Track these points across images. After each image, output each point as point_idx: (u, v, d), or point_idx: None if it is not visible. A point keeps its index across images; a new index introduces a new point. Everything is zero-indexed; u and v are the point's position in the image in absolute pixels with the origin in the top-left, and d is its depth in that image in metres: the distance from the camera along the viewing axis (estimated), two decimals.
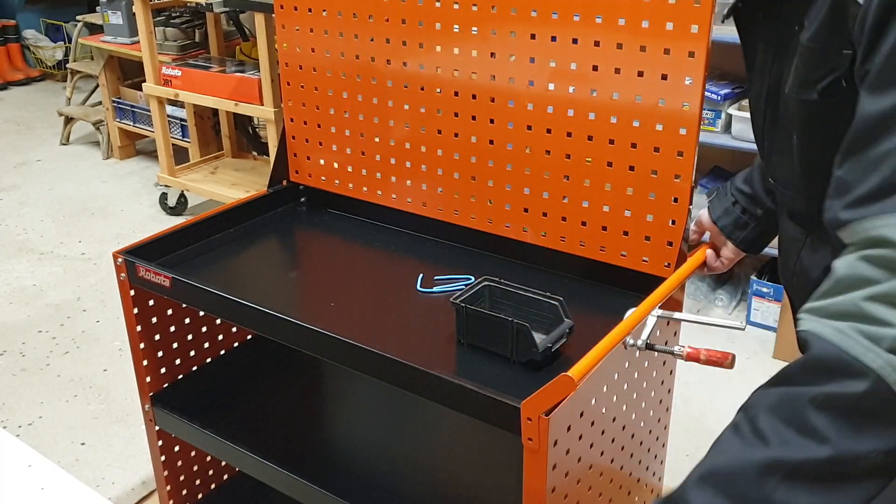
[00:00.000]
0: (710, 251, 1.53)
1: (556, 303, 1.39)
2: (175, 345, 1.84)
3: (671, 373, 1.60)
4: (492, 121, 1.65)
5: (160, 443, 1.87)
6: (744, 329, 1.36)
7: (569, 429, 1.20)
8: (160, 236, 1.75)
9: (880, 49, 0.86)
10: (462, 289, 1.48)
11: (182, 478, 1.96)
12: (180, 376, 1.87)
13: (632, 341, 1.30)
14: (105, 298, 3.26)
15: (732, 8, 1.22)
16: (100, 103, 4.84)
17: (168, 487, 1.93)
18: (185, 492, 1.97)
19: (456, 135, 1.71)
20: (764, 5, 1.17)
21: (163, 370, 1.83)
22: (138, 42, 3.78)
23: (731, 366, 1.25)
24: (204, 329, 1.91)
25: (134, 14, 3.70)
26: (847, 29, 0.93)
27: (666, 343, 1.46)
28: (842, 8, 0.94)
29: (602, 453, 1.35)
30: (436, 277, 1.67)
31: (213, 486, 2.06)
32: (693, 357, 1.27)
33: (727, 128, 2.94)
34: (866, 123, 0.85)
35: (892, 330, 0.77)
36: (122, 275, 1.68)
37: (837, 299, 0.82)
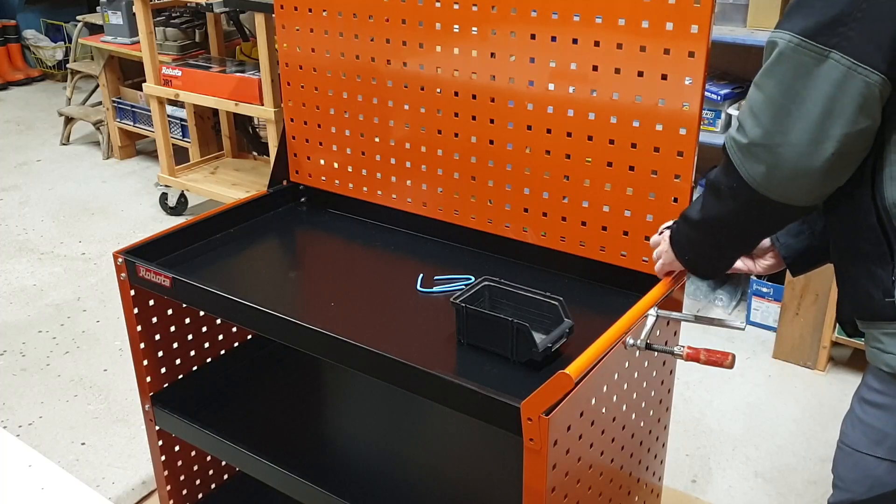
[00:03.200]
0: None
1: (556, 303, 1.40)
2: (175, 345, 1.84)
3: (671, 373, 1.60)
4: (492, 121, 1.65)
5: (160, 443, 1.87)
6: (744, 329, 1.36)
7: (569, 429, 1.20)
8: (160, 236, 1.75)
9: None
10: (462, 289, 1.48)
11: (182, 478, 1.96)
12: (180, 376, 1.87)
13: (631, 341, 1.30)
14: (105, 298, 3.27)
15: None
16: (100, 103, 4.84)
17: (168, 487, 1.93)
18: (185, 492, 1.97)
19: (456, 135, 1.71)
20: None
21: (163, 370, 1.83)
22: (138, 42, 3.79)
23: (730, 366, 1.25)
24: (204, 329, 1.91)
25: (134, 14, 3.70)
26: None
27: (666, 343, 1.46)
28: None
29: (602, 453, 1.35)
30: (436, 277, 1.67)
31: (213, 486, 2.06)
32: (693, 357, 1.27)
33: (727, 128, 2.94)
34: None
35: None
36: (123, 275, 1.68)
37: None
